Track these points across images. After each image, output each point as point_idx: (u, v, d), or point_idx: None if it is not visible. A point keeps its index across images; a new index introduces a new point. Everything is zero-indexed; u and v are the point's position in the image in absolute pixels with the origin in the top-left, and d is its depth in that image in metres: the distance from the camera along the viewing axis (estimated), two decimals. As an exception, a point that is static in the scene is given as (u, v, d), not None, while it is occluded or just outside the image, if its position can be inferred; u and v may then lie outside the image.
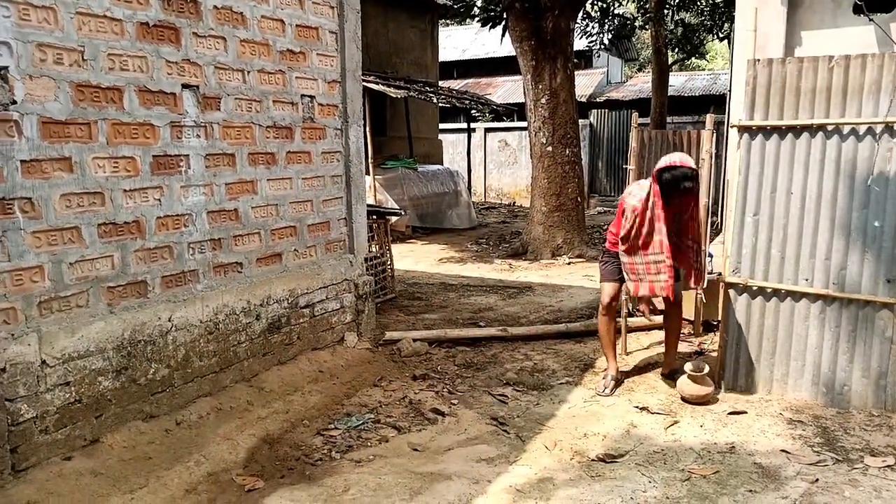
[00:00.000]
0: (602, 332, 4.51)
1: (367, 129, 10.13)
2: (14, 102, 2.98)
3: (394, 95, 11.22)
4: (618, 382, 4.41)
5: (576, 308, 6.50)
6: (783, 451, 3.41)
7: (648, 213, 3.98)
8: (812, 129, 3.84)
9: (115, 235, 3.41)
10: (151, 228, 3.59)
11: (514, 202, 17.86)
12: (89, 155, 3.29)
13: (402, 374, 4.68)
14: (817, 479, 3.10)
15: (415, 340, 5.18)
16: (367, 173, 10.22)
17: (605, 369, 4.50)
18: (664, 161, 3.97)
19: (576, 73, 10.45)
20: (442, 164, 15.34)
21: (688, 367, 4.07)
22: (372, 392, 4.37)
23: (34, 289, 3.08)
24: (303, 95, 4.61)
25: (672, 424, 3.79)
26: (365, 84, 9.03)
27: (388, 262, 6.89)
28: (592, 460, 3.39)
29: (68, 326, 3.19)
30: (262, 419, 3.83)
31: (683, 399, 4.08)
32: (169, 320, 3.67)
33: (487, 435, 3.76)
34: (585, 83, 21.91)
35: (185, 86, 3.75)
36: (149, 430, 3.45)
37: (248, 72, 4.17)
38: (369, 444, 3.67)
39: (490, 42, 21.80)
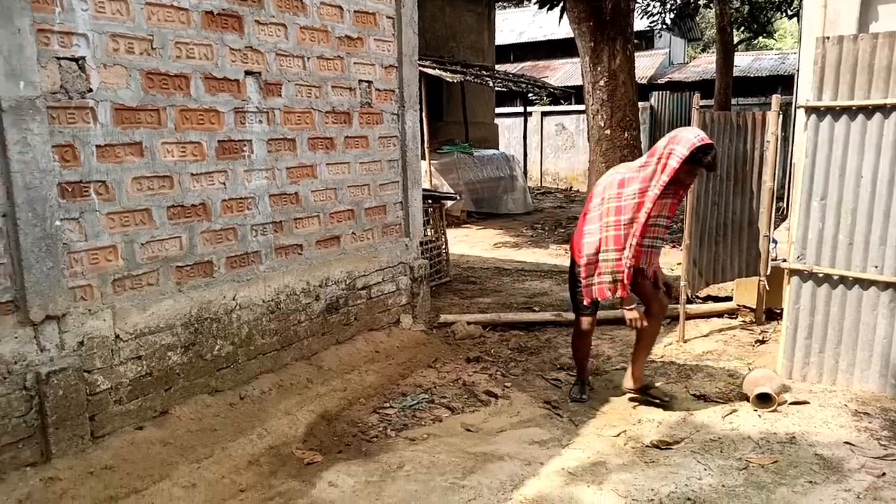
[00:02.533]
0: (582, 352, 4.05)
1: (423, 113, 10.18)
2: (90, 90, 3.14)
3: (450, 80, 11.22)
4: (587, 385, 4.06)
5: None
6: (847, 443, 3.31)
7: (637, 200, 3.51)
8: (886, 109, 3.67)
9: (183, 217, 3.56)
10: (217, 211, 3.73)
11: (571, 187, 17.66)
12: (159, 140, 3.43)
13: (455, 357, 4.74)
14: (884, 474, 3.00)
15: (469, 323, 5.22)
16: (423, 158, 10.28)
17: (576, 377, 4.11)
18: (690, 138, 3.40)
19: (636, 54, 10.21)
20: (498, 148, 15.28)
21: (756, 390, 3.72)
22: (426, 373, 4.44)
23: (108, 267, 3.26)
24: (360, 81, 4.67)
25: (730, 413, 3.72)
26: (421, 69, 9.07)
27: (443, 246, 6.94)
28: (647, 446, 3.37)
29: (140, 303, 3.37)
30: (321, 396, 3.95)
31: (754, 406, 3.75)
32: (233, 299, 3.81)
33: (540, 418, 3.78)
34: (646, 64, 21.38)
35: (247, 72, 3.86)
36: (214, 404, 3.61)
37: (308, 58, 4.25)
38: (423, 423, 3.74)
39: (547, 24, 21.48)
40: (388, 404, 3.97)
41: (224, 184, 3.77)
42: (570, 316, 5.47)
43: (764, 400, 3.72)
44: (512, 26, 25.96)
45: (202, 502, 2.94)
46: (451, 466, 3.17)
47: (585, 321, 3.91)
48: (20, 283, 2.90)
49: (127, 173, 3.30)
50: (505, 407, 3.95)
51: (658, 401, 3.83)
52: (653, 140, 17.35)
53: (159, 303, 3.44)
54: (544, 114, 18.52)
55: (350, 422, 3.76)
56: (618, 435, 3.51)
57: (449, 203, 8.43)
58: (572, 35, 9.58)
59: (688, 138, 3.40)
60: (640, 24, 13.60)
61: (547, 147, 18.44)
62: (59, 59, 3.01)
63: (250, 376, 3.90)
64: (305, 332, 4.32)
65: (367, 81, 4.73)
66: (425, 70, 10.29)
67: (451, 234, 8.44)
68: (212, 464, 3.19)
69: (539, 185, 18.13)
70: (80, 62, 3.09)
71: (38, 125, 2.90)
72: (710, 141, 3.40)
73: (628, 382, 3.91)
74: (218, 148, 3.72)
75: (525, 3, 18.18)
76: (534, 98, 19.18)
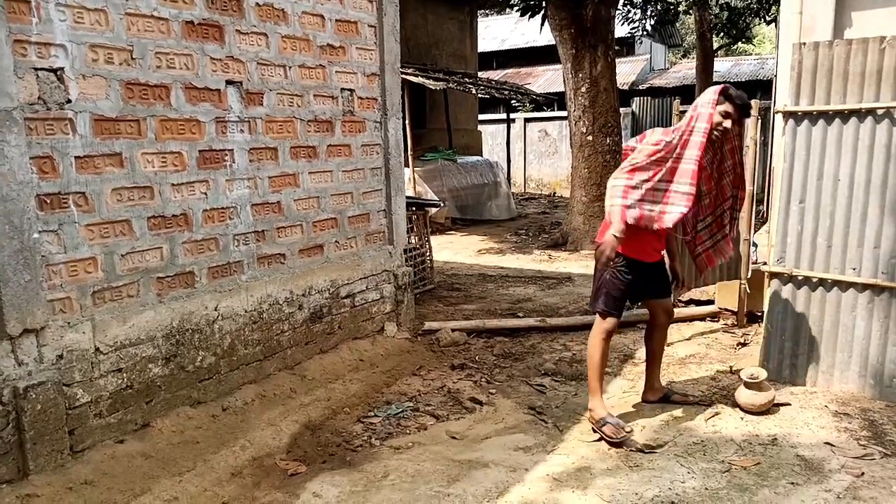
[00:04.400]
0: (597, 359, 3.58)
1: (407, 121, 10.18)
2: (69, 101, 3.12)
3: (433, 87, 11.25)
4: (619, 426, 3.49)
5: (616, 299, 6.44)
6: (828, 443, 3.34)
7: (681, 144, 3.35)
8: (861, 114, 3.73)
9: (163, 228, 3.54)
10: (198, 221, 3.71)
11: (555, 192, 17.74)
12: (139, 150, 3.41)
13: (440, 364, 4.74)
14: (863, 473, 3.04)
15: (453, 330, 5.22)
16: (407, 165, 10.29)
17: (592, 410, 3.56)
18: (711, 89, 3.41)
19: (617, 60, 10.31)
20: (481, 155, 15.32)
21: (744, 373, 3.78)
22: (411, 381, 4.43)
23: (88, 279, 3.23)
24: (343, 89, 4.68)
25: (713, 416, 3.74)
26: (404, 76, 9.08)
27: (428, 254, 6.94)
28: (630, 450, 3.38)
29: (120, 315, 3.33)
30: (305, 406, 3.93)
31: (741, 409, 3.74)
32: (215, 310, 3.79)
33: (525, 424, 3.78)
34: (627, 70, 21.57)
35: (229, 82, 3.85)
36: (196, 416, 3.58)
37: (290, 67, 4.25)
38: (408, 431, 3.73)
39: (529, 31, 21.63)
40: (372, 413, 3.96)
41: (205, 193, 3.75)
42: (555, 321, 5.50)
43: (755, 388, 3.73)
44: (494, 34, 26.10)
45: (185, 516, 2.92)
46: (435, 475, 3.17)
47: (610, 322, 3.57)
48: (-3, 297, 2.86)
49: (106, 184, 3.27)
50: (490, 414, 3.95)
51: (690, 399, 3.92)
52: (635, 145, 17.49)
53: (140, 314, 3.41)
54: (527, 120, 18.61)
55: (334, 431, 3.74)
56: (601, 439, 3.52)
57: (433, 210, 8.45)
58: (554, 42, 9.65)
59: (709, 90, 3.40)
60: (620, 30, 13.73)
61: (530, 153, 18.54)
62: (36, 69, 2.99)
63: (233, 387, 3.87)
64: (289, 341, 4.30)
65: (349, 90, 4.73)
66: (408, 78, 10.31)
67: (436, 240, 8.45)
68: (194, 477, 3.16)
69: (523, 190, 18.20)
70: (58, 73, 3.07)
71: (16, 137, 2.88)
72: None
73: (650, 395, 3.90)
74: (199, 158, 3.70)
75: (507, 10, 18.29)
76: (517, 105, 19.28)
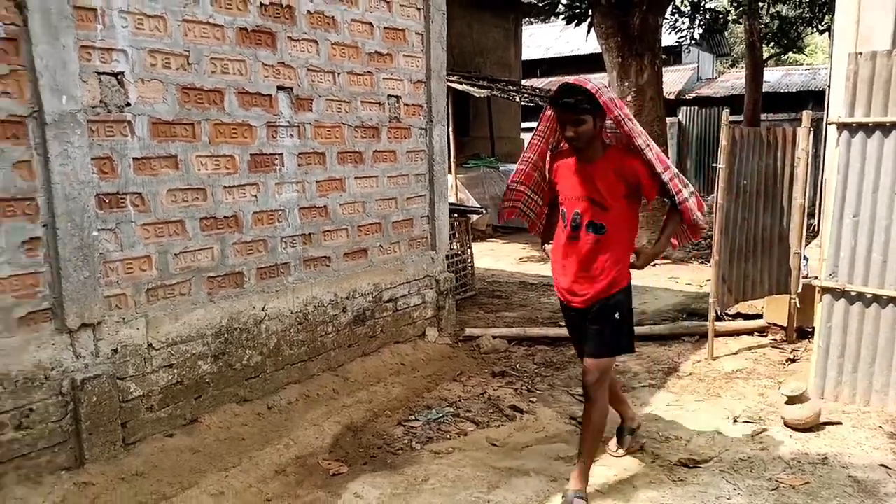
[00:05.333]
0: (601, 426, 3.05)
1: (450, 128, 10.24)
2: (128, 104, 3.23)
3: (477, 95, 11.29)
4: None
5: (660, 310, 6.35)
6: (882, 465, 3.23)
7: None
8: (921, 126, 3.61)
9: (215, 229, 3.63)
10: (248, 223, 3.80)
11: (597, 202, 17.54)
12: (193, 153, 3.51)
13: (481, 371, 4.73)
14: (920, 497, 2.93)
15: (494, 337, 5.22)
16: (450, 172, 10.33)
17: (577, 478, 2.97)
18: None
19: (664, 69, 10.18)
20: (524, 163, 15.28)
21: (784, 389, 3.69)
22: (451, 387, 4.44)
23: (143, 277, 3.33)
24: (389, 96, 4.73)
25: (760, 432, 3.66)
26: (449, 84, 9.13)
27: (469, 260, 6.95)
28: (674, 464, 3.32)
29: (172, 313, 3.43)
30: (347, 407, 3.97)
31: (787, 425, 3.65)
32: (263, 310, 3.87)
33: (566, 434, 3.75)
34: (674, 80, 21.26)
35: (280, 87, 3.94)
36: (242, 413, 3.65)
37: (339, 73, 4.32)
38: (448, 436, 3.74)
39: (574, 39, 21.52)
40: (413, 417, 3.98)
41: (255, 196, 3.84)
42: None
43: (797, 402, 3.63)
44: (539, 42, 26.04)
45: (229, 510, 2.98)
46: (476, 481, 3.16)
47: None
48: (58, 292, 2.98)
49: (162, 185, 3.38)
50: (530, 422, 3.93)
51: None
52: (680, 155, 17.23)
53: (191, 312, 3.51)
54: (570, 129, 18.44)
55: (375, 434, 3.77)
56: (644, 452, 3.47)
57: (475, 217, 8.46)
58: (599, 50, 9.59)
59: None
60: (668, 39, 13.56)
61: (573, 162, 18.37)
62: (99, 74, 3.11)
63: (278, 386, 3.94)
64: (332, 343, 4.36)
65: (395, 96, 4.78)
66: (453, 85, 10.37)
67: (477, 247, 8.45)
68: (239, 472, 3.23)
69: (565, 199, 18.05)
70: (119, 77, 3.19)
71: (79, 138, 3.00)
72: (573, 80, 2.84)
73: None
74: (250, 161, 3.79)
75: (552, 19, 18.24)
76: (560, 113, 19.10)
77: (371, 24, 4.54)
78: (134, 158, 3.26)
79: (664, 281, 7.75)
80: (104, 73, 3.13)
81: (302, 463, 3.42)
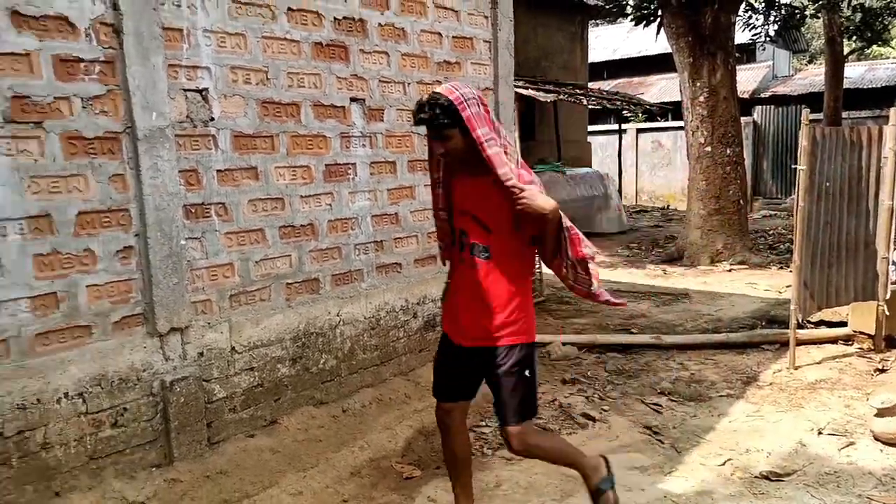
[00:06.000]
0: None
1: (516, 133, 10.23)
2: (212, 119, 3.39)
3: (543, 100, 11.23)
4: None
5: (737, 317, 6.15)
6: None
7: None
8: None
9: (292, 237, 3.76)
10: (324, 231, 3.92)
11: (668, 205, 17.15)
12: (272, 164, 3.65)
13: (551, 378, 4.71)
14: None
15: (564, 344, 5.18)
16: (516, 177, 10.28)
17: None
18: None
19: (737, 67, 9.86)
20: (591, 166, 15.09)
21: (874, 400, 3.52)
22: (522, 393, 4.43)
23: (226, 283, 3.48)
24: (458, 103, 4.77)
25: (847, 445, 3.50)
26: (515, 89, 9.13)
27: (537, 266, 6.92)
28: (756, 477, 3.22)
29: (254, 318, 3.57)
30: (419, 412, 4.03)
31: (877, 439, 3.48)
32: (337, 315, 3.97)
33: (640, 443, 3.69)
34: (748, 78, 20.55)
35: (353, 99, 4.05)
36: (319, 415, 3.76)
37: (409, 84, 4.40)
38: (520, 443, 3.73)
39: (642, 40, 21.11)
40: (484, 423, 3.99)
41: (330, 205, 3.95)
42: (671, 339, 5.32)
43: (887, 417, 3.44)
44: (605, 43, 25.67)
45: (308, 510, 3.07)
46: (548, 488, 3.15)
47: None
48: (149, 297, 3.16)
49: (244, 196, 3.52)
50: (603, 430, 3.88)
51: None
52: (756, 156, 16.61)
53: (270, 317, 3.64)
54: (640, 130, 18.13)
55: (447, 438, 3.80)
56: (723, 464, 3.38)
57: (542, 222, 8.40)
58: (668, 50, 9.40)
59: None
60: (741, 36, 13.12)
61: (643, 164, 18.04)
62: (185, 90, 3.28)
63: (352, 390, 4.04)
64: (404, 348, 4.43)
65: (464, 104, 4.82)
66: (519, 91, 10.35)
67: (545, 253, 8.39)
68: (317, 473, 3.33)
69: (634, 203, 17.73)
70: (203, 93, 3.35)
71: (168, 152, 3.17)
72: (441, 89, 2.44)
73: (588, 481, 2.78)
74: (325, 171, 3.91)
75: (619, 20, 17.96)
76: (628, 115, 18.84)
77: (440, 33, 4.60)
78: (217, 170, 3.42)
79: (741, 287, 7.50)
80: (190, 90, 3.30)
81: (376, 465, 3.49)
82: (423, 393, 4.28)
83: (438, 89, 2.42)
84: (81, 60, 2.92)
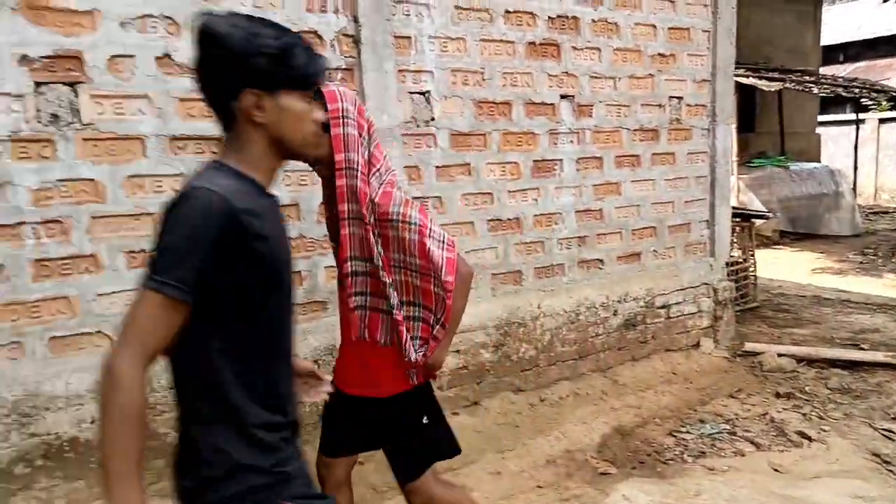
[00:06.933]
0: None
1: (734, 125, 9.56)
2: (432, 119, 3.67)
3: (765, 89, 10.36)
4: None
5: None
6: None
7: None
8: None
9: (499, 230, 3.95)
10: (528, 225, 4.05)
11: (916, 206, 14.90)
12: (483, 161, 3.85)
13: (762, 389, 4.41)
14: None
15: (779, 355, 4.80)
16: (731, 173, 9.65)
17: None
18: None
19: None
20: (819, 161, 13.59)
21: None
22: (728, 403, 4.21)
23: (438, 271, 3.76)
24: (670, 97, 4.63)
25: None
26: (734, 79, 8.55)
27: (751, 269, 6.46)
28: None
29: (461, 304, 3.81)
30: (615, 410, 4.01)
31: None
32: (538, 307, 4.09)
33: (865, 470, 3.34)
34: None
35: (562, 96, 4.12)
36: (517, 402, 3.91)
37: (619, 78, 4.36)
38: (723, 454, 3.57)
39: (890, 17, 18.44)
40: (684, 429, 3.87)
41: (535, 200, 4.07)
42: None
43: None
44: (840, 24, 22.80)
45: (505, 490, 3.23)
46: (753, 503, 3.00)
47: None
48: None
49: (457, 191, 3.77)
50: (820, 451, 3.57)
51: None
52: None
53: (477, 305, 3.85)
54: (882, 121, 15.91)
55: (644, 440, 3.76)
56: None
57: (759, 221, 7.82)
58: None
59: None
60: None
61: (884, 159, 15.83)
62: (411, 93, 3.59)
63: (549, 381, 4.14)
64: (602, 345, 4.42)
65: (677, 97, 4.67)
66: (738, 79, 9.65)
67: (761, 255, 7.78)
68: (514, 457, 3.48)
69: (872, 203, 15.65)
70: (426, 95, 3.63)
71: (395, 150, 3.49)
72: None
73: None
74: (532, 167, 4.03)
75: (863, -6, 15.88)
76: (869, 104, 16.62)
77: (654, 25, 4.49)
78: (436, 167, 3.69)
79: None
80: (415, 93, 3.60)
81: (571, 457, 3.55)
82: (620, 391, 4.26)
83: (323, 89, 1.94)
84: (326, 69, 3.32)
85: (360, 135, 1.97)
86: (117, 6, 2.80)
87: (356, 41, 3.36)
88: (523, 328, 4.03)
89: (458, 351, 3.79)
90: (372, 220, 1.98)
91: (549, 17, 4.01)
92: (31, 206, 2.71)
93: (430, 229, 2.03)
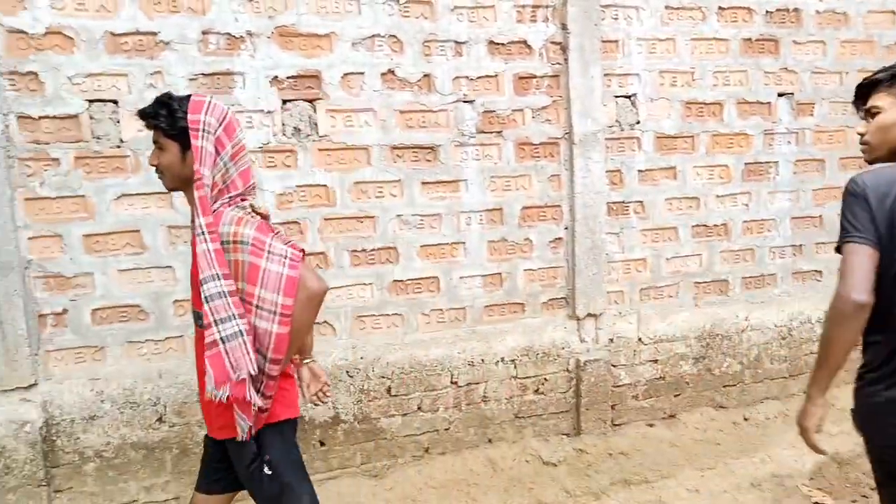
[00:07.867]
0: None
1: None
2: (638, 122, 3.60)
3: None
4: None
5: None
6: None
7: None
8: None
9: (704, 236, 3.78)
10: (737, 231, 3.83)
11: None
12: (690, 164, 3.71)
13: None
14: None
15: None
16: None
17: None
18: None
19: None
20: None
21: None
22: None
23: (637, 277, 3.69)
24: (909, 91, 4.11)
25: None
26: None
27: None
28: None
29: (660, 312, 3.71)
30: (832, 436, 3.65)
31: None
32: (745, 319, 3.86)
33: None
34: None
35: (780, 94, 3.83)
36: (718, 418, 3.73)
37: (846, 73, 3.96)
38: (969, 499, 3.14)
39: None
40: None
41: (746, 205, 3.84)
42: None
43: None
44: None
45: (705, 509, 3.11)
46: None
47: None
48: (571, 284, 3.54)
49: (660, 195, 3.67)
50: None
51: None
52: None
53: (676, 314, 3.73)
54: None
55: (866, 472, 3.38)
56: None
57: None
58: None
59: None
60: None
61: None
62: (616, 97, 3.55)
63: (755, 399, 3.89)
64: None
65: (918, 91, 4.13)
66: None
67: None
68: (715, 475, 3.32)
69: None
70: (632, 98, 3.58)
71: (597, 154, 3.48)
72: (172, 96, 1.88)
73: None
74: (744, 170, 3.81)
75: None
76: None
77: (893, 11, 4.02)
78: (638, 171, 3.62)
79: None
80: (620, 97, 3.55)
81: (779, 482, 3.32)
82: (836, 416, 3.86)
83: (191, 96, 1.88)
84: (533, 76, 3.40)
85: (219, 153, 1.85)
86: (350, 28, 3.09)
87: (563, 48, 3.39)
88: (727, 341, 3.83)
89: (655, 361, 3.70)
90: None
91: (768, 12, 3.75)
92: (275, 209, 3.08)
93: (269, 245, 1.82)
